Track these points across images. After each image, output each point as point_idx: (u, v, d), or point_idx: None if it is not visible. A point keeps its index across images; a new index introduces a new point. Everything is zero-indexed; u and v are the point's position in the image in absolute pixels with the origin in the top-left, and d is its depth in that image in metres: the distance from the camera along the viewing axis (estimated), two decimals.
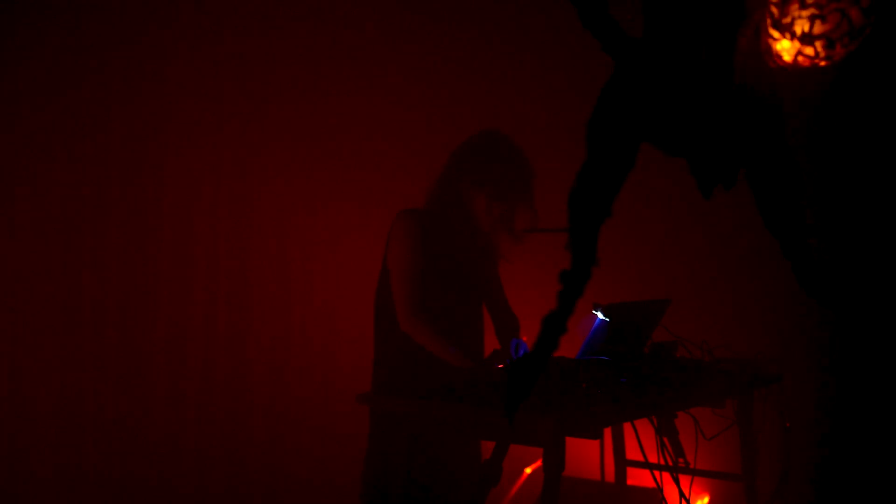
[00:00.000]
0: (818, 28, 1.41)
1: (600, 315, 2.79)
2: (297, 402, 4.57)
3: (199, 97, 4.38)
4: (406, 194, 3.30)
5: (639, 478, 3.67)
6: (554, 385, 2.53)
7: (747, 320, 4.09)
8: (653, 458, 2.99)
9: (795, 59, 1.44)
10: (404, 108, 4.56)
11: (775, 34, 1.43)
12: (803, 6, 1.40)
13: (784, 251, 1.45)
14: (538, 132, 4.07)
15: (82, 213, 4.18)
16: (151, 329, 4.33)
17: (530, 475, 4.41)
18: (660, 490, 2.97)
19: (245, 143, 4.49)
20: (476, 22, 4.54)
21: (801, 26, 1.41)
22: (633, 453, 3.51)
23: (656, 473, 2.98)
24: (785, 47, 1.43)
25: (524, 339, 3.21)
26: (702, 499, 4.16)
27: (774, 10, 1.42)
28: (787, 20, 1.41)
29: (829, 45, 1.41)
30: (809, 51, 1.43)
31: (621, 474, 3.69)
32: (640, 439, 2.78)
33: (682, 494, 2.91)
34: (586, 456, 3.65)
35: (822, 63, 1.44)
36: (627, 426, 3.22)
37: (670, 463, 3.03)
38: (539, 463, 3.81)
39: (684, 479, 3.08)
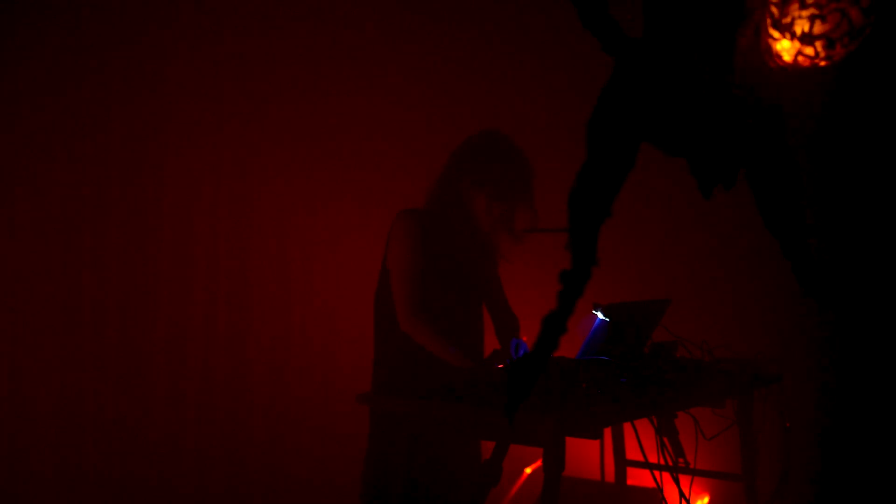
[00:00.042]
0: (818, 28, 1.41)
1: (600, 315, 2.79)
2: (297, 402, 4.57)
3: (199, 97, 4.38)
4: (406, 194, 3.30)
5: (639, 478, 3.67)
6: (554, 385, 2.53)
7: (747, 320, 4.09)
8: (653, 458, 2.99)
9: (795, 59, 1.44)
10: (404, 108, 4.55)
11: (775, 34, 1.43)
12: (803, 6, 1.40)
13: (784, 251, 1.45)
14: (538, 132, 4.07)
15: (82, 213, 4.19)
16: (151, 329, 4.33)
17: (530, 475, 4.41)
18: (660, 490, 2.97)
19: (245, 143, 4.49)
20: (476, 22, 4.54)
21: (801, 26, 1.41)
22: (633, 453, 3.51)
23: (656, 473, 2.98)
24: (785, 47, 1.43)
25: (524, 339, 3.21)
26: (702, 499, 4.16)
27: (774, 10, 1.42)
28: (787, 20, 1.41)
29: (829, 45, 1.41)
30: (809, 51, 1.43)
31: (621, 474, 3.69)
32: (640, 439, 2.78)
33: (682, 494, 2.91)
34: (586, 456, 3.65)
35: (822, 63, 1.44)
36: (627, 426, 3.22)
37: (670, 463, 3.03)
38: (539, 463, 3.81)
39: (684, 479, 3.07)
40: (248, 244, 4.53)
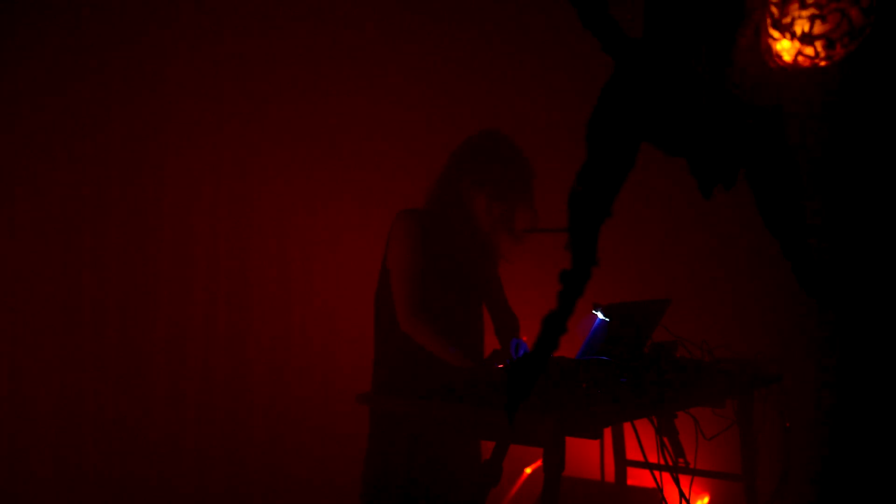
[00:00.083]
0: (818, 28, 1.41)
1: (600, 315, 2.79)
2: (297, 402, 4.57)
3: (199, 97, 4.38)
4: (406, 194, 3.30)
5: (639, 478, 3.67)
6: (554, 385, 2.53)
7: (747, 320, 4.09)
8: (653, 458, 2.99)
9: (795, 59, 1.44)
10: (404, 108, 4.55)
11: (775, 34, 1.43)
12: (803, 6, 1.40)
13: (784, 251, 1.45)
14: (538, 132, 4.07)
15: (82, 213, 4.19)
16: (151, 329, 4.33)
17: (530, 475, 4.41)
18: (660, 490, 2.97)
19: (245, 143, 4.49)
20: (476, 22, 4.54)
21: (801, 26, 1.41)
22: (633, 453, 3.51)
23: (656, 473, 2.98)
24: (785, 47, 1.43)
25: (524, 339, 3.21)
26: (702, 499, 4.16)
27: (774, 10, 1.42)
28: (787, 20, 1.41)
29: (829, 45, 1.41)
30: (809, 51, 1.43)
31: (621, 474, 3.69)
32: (640, 439, 2.78)
33: (682, 494, 2.91)
34: (586, 456, 3.65)
35: (822, 63, 1.44)
36: (627, 426, 3.22)
37: (670, 463, 3.03)
38: (539, 463, 3.81)
39: (684, 479, 3.07)
40: (248, 244, 4.53)
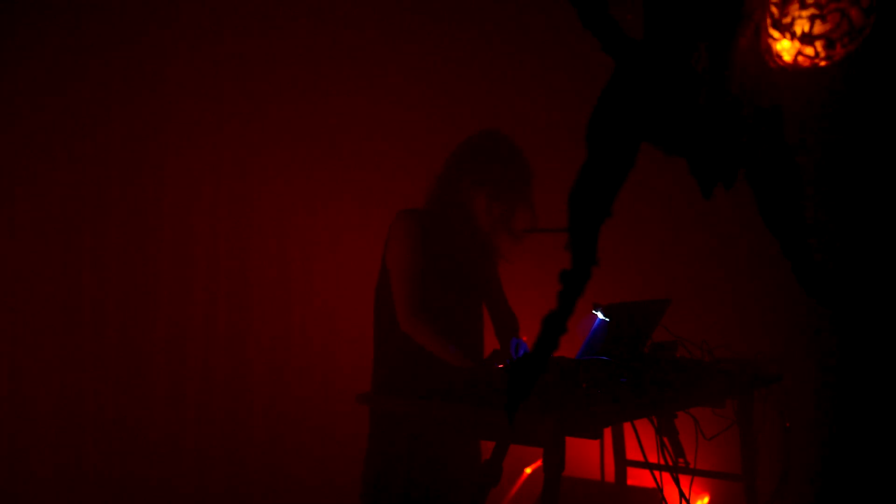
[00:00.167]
0: (818, 28, 1.41)
1: (600, 315, 2.79)
2: (297, 402, 4.57)
3: (199, 97, 4.38)
4: (406, 194, 3.30)
5: (639, 478, 3.67)
6: (554, 385, 2.53)
7: (747, 320, 4.09)
8: (653, 458, 2.99)
9: (795, 59, 1.44)
10: (404, 108, 4.55)
11: (775, 34, 1.43)
12: (803, 6, 1.40)
13: (784, 251, 1.45)
14: (538, 132, 4.07)
15: (82, 213, 4.19)
16: (151, 329, 4.33)
17: (530, 475, 4.41)
18: (660, 490, 2.97)
19: (245, 143, 4.49)
20: (476, 22, 4.54)
21: (801, 26, 1.41)
22: (633, 453, 3.51)
23: (656, 473, 2.98)
24: (785, 47, 1.43)
25: (524, 339, 3.21)
26: (702, 499, 4.16)
27: (774, 10, 1.42)
28: (787, 20, 1.41)
29: (829, 45, 1.41)
30: (809, 51, 1.43)
31: (621, 474, 3.69)
32: (640, 439, 2.78)
33: (682, 494, 2.91)
34: (586, 456, 3.65)
35: (822, 63, 1.44)
36: (627, 426, 3.22)
37: (670, 463, 3.03)
38: (539, 463, 3.81)
39: (684, 479, 3.07)
40: (248, 244, 4.53)
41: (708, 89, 1.33)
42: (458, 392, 2.62)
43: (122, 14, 4.20)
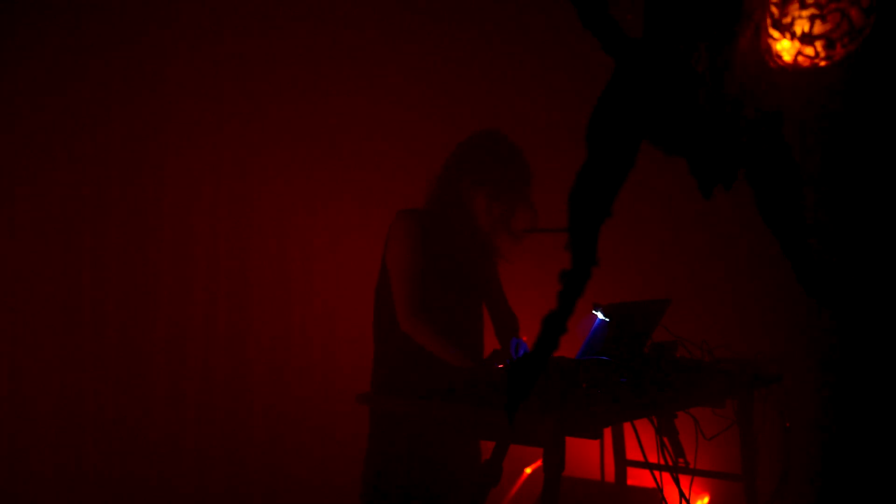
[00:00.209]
0: (818, 28, 1.41)
1: (600, 315, 2.79)
2: (297, 402, 4.57)
3: (199, 97, 4.38)
4: (406, 194, 3.30)
5: (639, 478, 3.67)
6: (554, 385, 2.53)
7: (747, 320, 4.09)
8: (653, 458, 2.98)
9: (795, 59, 1.44)
10: (404, 108, 4.55)
11: (775, 34, 1.43)
12: (803, 6, 1.40)
13: (784, 251, 1.45)
14: (538, 132, 4.07)
15: (82, 213, 4.19)
16: (151, 329, 4.33)
17: (530, 475, 4.41)
18: (660, 490, 2.97)
19: (245, 143, 4.49)
20: (476, 22, 4.54)
21: (801, 26, 1.41)
22: (633, 453, 3.51)
23: (656, 473, 2.98)
24: (785, 47, 1.43)
25: (524, 339, 3.21)
26: (702, 499, 4.16)
27: (774, 10, 1.42)
28: (787, 20, 1.41)
29: (829, 45, 1.41)
30: (809, 51, 1.43)
31: (621, 474, 3.69)
32: (640, 439, 2.78)
33: (682, 494, 2.91)
34: (586, 456, 3.65)
35: (822, 63, 1.44)
36: (627, 426, 3.22)
37: (670, 463, 3.03)
38: (539, 463, 3.81)
39: (684, 479, 3.07)
40: (248, 244, 4.53)
41: (708, 89, 1.33)
42: (458, 392, 2.62)
43: (122, 14, 4.20)
